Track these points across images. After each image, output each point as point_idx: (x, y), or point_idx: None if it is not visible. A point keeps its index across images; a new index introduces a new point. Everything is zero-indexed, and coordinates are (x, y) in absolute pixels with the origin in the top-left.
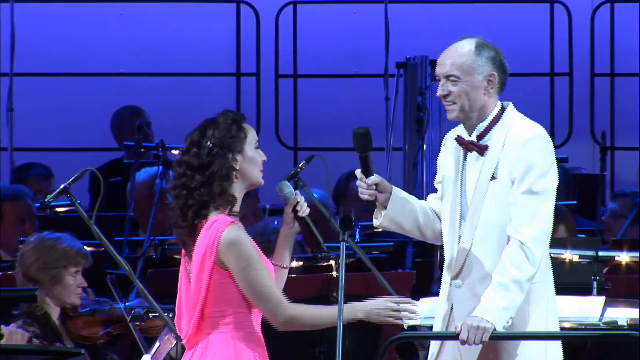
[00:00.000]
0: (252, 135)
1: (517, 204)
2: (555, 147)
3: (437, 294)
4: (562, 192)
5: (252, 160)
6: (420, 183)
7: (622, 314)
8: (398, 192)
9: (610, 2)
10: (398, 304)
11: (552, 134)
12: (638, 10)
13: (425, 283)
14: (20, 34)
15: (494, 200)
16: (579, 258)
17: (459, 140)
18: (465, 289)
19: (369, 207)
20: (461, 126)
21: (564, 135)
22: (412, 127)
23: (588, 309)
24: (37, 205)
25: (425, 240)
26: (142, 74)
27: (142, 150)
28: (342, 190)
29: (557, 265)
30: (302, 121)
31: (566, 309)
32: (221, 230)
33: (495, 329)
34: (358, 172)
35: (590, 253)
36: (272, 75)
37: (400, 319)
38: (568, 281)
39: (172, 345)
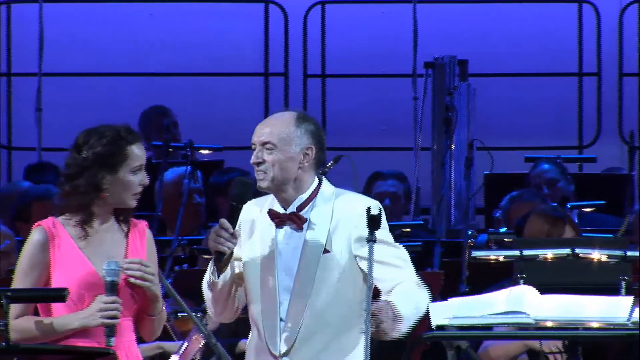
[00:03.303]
0: (134, 159)
1: (381, 262)
2: (583, 147)
3: (465, 293)
4: (588, 192)
5: (124, 183)
6: (448, 182)
7: None
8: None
9: (639, 2)
10: (109, 302)
11: (580, 134)
12: None
13: (453, 282)
14: (48, 34)
15: (327, 274)
16: (607, 258)
17: (273, 213)
18: None
19: (217, 259)
20: (271, 199)
21: (592, 135)
22: (440, 127)
23: (616, 309)
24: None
25: (217, 314)
26: (170, 74)
27: (170, 150)
28: (364, 191)
29: (585, 265)
30: (330, 121)
31: (593, 309)
32: (32, 229)
33: (397, 327)
34: (224, 221)
35: (619, 253)
36: (300, 75)
37: (114, 316)
38: (596, 281)
39: (201, 345)
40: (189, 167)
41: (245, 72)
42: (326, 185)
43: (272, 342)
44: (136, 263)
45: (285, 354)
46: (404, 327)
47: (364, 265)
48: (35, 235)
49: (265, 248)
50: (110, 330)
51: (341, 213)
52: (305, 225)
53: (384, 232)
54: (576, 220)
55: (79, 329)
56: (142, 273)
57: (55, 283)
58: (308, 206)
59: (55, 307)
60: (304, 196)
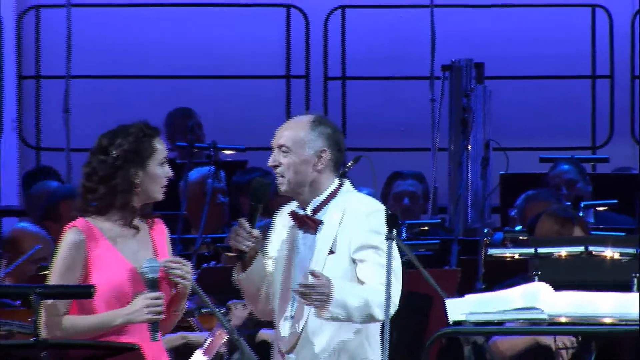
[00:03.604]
0: (159, 152)
1: (363, 261)
2: (596, 148)
3: (481, 290)
4: (600, 191)
5: (153, 177)
6: (465, 182)
7: None
8: (261, 256)
9: None
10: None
11: (593, 135)
12: None
13: (470, 280)
14: (75, 37)
15: (332, 274)
16: (620, 255)
17: (294, 214)
18: None
19: (239, 256)
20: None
21: (605, 136)
22: (457, 128)
23: (628, 305)
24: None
25: (256, 310)
26: (194, 77)
27: (194, 150)
28: (383, 190)
29: (598, 263)
30: (349, 122)
31: (606, 305)
32: (64, 231)
33: (327, 307)
34: (243, 220)
35: (631, 250)
36: (320, 77)
37: (159, 312)
38: (609, 278)
39: (224, 341)
40: (212, 167)
41: (267, 75)
42: (345, 187)
43: (281, 340)
44: (177, 262)
45: (289, 351)
46: (334, 311)
47: (358, 269)
48: (70, 236)
49: (287, 248)
50: (155, 326)
51: (348, 216)
52: (320, 227)
53: (379, 238)
54: (592, 220)
55: (123, 325)
56: (182, 272)
57: (95, 282)
58: (324, 208)
59: (98, 306)
60: (320, 198)
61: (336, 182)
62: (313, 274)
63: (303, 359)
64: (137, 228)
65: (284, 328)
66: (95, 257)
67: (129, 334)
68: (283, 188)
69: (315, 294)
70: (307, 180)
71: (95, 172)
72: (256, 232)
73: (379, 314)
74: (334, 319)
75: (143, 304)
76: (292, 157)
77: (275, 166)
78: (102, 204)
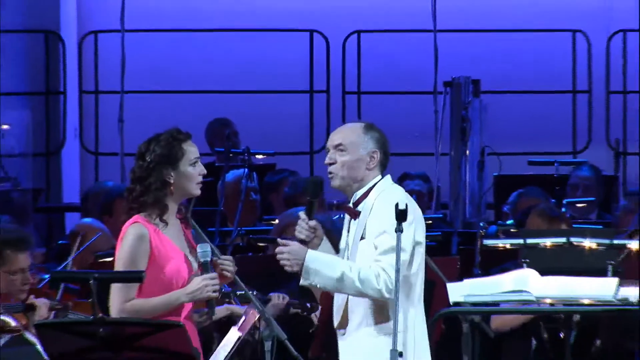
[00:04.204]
0: (190, 153)
1: (377, 247)
2: (577, 153)
3: (478, 275)
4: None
5: (186, 175)
6: (463, 182)
7: (633, 293)
8: (326, 242)
9: (624, 32)
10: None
11: (574, 142)
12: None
13: (468, 266)
14: (128, 57)
15: (362, 258)
16: (597, 245)
17: (341, 206)
18: (347, 337)
19: (302, 244)
20: None
21: (584, 142)
22: (457, 135)
23: (604, 288)
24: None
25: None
26: (231, 91)
27: (231, 155)
28: None
29: (578, 252)
30: None
31: (584, 289)
32: (126, 226)
33: (301, 268)
34: (302, 213)
35: (607, 241)
36: (339, 92)
37: (216, 290)
38: (587, 265)
39: (256, 319)
40: (246, 169)
41: (293, 90)
42: (383, 182)
43: (335, 317)
44: (229, 260)
45: (340, 327)
46: (307, 277)
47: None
48: (135, 230)
49: (345, 234)
50: (213, 303)
51: (376, 207)
52: (359, 217)
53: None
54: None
55: (188, 302)
56: (232, 269)
57: (159, 269)
58: (364, 200)
59: (162, 289)
60: (360, 192)
61: (378, 178)
62: (283, 242)
63: (349, 334)
64: (167, 222)
65: (336, 306)
66: (156, 247)
67: (173, 315)
68: (336, 183)
69: (283, 258)
70: (359, 176)
71: (135, 174)
72: (313, 223)
73: (364, 289)
74: (312, 286)
75: (203, 284)
76: (347, 156)
77: (331, 164)
78: (141, 201)
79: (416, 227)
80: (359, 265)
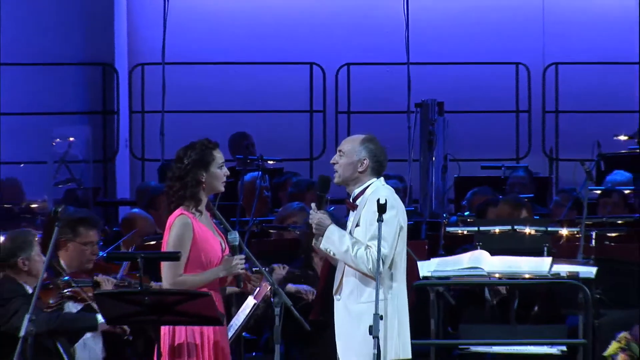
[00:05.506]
0: (218, 158)
1: (369, 231)
2: (519, 159)
3: (442, 255)
4: (526, 188)
5: (214, 176)
6: (430, 182)
7: (564, 269)
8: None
9: (556, 64)
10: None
11: (517, 150)
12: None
13: (434, 248)
14: (168, 83)
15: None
16: (535, 232)
17: (344, 201)
18: (341, 303)
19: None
20: None
21: (525, 151)
22: (425, 146)
23: (540, 265)
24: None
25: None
26: (248, 111)
27: (248, 161)
28: None
29: (520, 236)
30: None
31: (525, 266)
32: (173, 217)
33: (322, 234)
34: (313, 205)
35: (543, 228)
36: (333, 111)
37: (244, 268)
38: (527, 248)
39: (268, 290)
40: (260, 172)
41: (296, 110)
42: (377, 183)
43: (335, 284)
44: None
45: (336, 293)
46: (325, 244)
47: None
48: (182, 221)
49: (349, 223)
50: (241, 277)
51: (369, 202)
52: (356, 209)
53: (387, 215)
54: None
55: (225, 276)
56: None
57: (202, 251)
58: (361, 196)
59: (204, 267)
60: (357, 190)
61: (373, 179)
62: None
63: (343, 298)
64: (201, 212)
65: (337, 275)
66: (197, 234)
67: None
68: (337, 180)
69: (314, 222)
70: (352, 177)
71: (174, 174)
72: (323, 213)
73: (358, 264)
74: (325, 249)
75: (235, 262)
76: (344, 159)
77: (334, 164)
78: (179, 195)
79: (399, 216)
80: (358, 246)
